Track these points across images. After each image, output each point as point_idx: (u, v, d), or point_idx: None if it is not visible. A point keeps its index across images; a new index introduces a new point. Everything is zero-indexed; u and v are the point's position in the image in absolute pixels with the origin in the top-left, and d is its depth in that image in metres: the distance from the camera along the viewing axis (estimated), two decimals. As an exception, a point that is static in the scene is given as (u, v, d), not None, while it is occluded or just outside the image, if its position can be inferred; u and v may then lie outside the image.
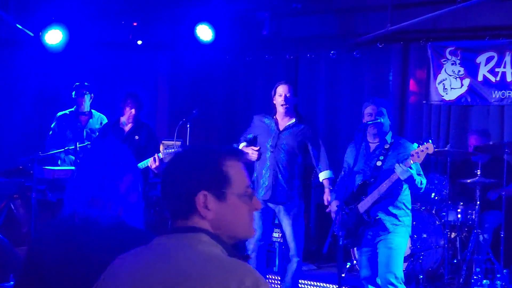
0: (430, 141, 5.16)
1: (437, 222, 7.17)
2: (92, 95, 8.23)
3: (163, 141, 7.26)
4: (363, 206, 5.32)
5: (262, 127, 6.27)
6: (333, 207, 5.57)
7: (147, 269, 1.84)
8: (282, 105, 6.11)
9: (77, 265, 2.45)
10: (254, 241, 6.14)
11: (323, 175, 6.19)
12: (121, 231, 2.52)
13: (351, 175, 5.42)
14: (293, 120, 6.17)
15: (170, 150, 6.72)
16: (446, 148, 7.27)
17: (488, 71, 7.94)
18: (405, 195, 5.38)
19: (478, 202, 6.91)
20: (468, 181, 7.03)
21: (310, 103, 9.25)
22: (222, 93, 9.85)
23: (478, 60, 8.00)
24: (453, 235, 7.27)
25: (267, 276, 7.09)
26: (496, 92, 7.89)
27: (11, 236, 6.33)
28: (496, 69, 7.88)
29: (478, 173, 6.91)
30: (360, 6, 8.47)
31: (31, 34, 8.33)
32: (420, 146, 5.13)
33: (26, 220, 7.53)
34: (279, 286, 7.00)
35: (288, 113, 6.15)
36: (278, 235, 7.16)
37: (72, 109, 8.23)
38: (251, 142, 6.34)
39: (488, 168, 7.12)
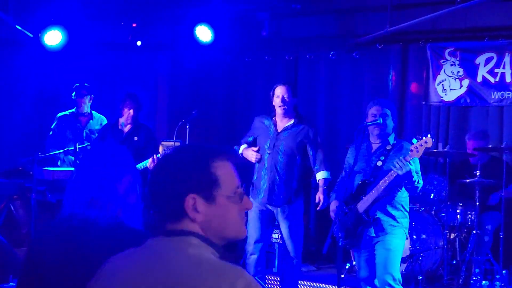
0: (429, 135, 5.15)
1: (437, 223, 7.17)
2: (92, 96, 8.23)
3: (162, 142, 7.26)
4: (362, 205, 5.32)
5: (261, 128, 6.26)
6: (333, 207, 5.58)
7: (137, 273, 1.82)
8: (279, 106, 6.09)
9: (77, 265, 2.45)
10: (253, 243, 6.14)
11: (319, 175, 6.14)
12: (120, 231, 2.53)
13: (351, 175, 5.43)
14: (292, 121, 6.14)
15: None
16: (445, 149, 7.27)
17: (487, 72, 7.94)
18: (404, 197, 5.38)
19: (478, 203, 6.91)
20: (468, 181, 7.03)
21: (310, 104, 9.25)
22: (222, 93, 9.85)
23: (477, 61, 8.00)
24: (452, 236, 7.28)
25: (267, 277, 7.09)
26: (495, 93, 7.90)
27: (11, 237, 6.34)
28: (496, 70, 7.88)
29: (478, 173, 6.91)
30: (360, 7, 8.48)
31: (31, 35, 8.33)
32: (419, 140, 5.13)
33: (25, 221, 7.53)
34: (278, 287, 6.99)
35: (286, 114, 6.13)
36: (278, 236, 7.15)
37: (72, 110, 8.23)
38: (252, 144, 6.32)
39: (487, 168, 7.12)
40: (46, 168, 7.52)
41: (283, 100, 6.07)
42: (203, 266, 1.77)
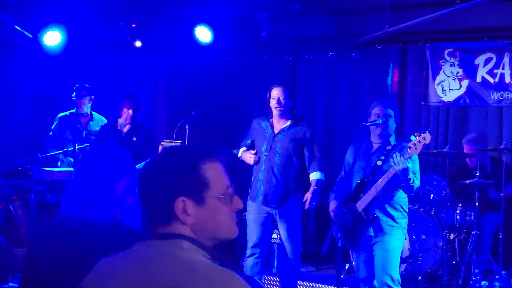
0: (427, 131, 5.14)
1: (436, 223, 7.17)
2: (93, 97, 8.22)
3: (162, 142, 7.26)
4: (361, 204, 5.32)
5: (259, 130, 6.24)
6: (332, 207, 5.57)
7: (127, 278, 1.80)
8: (275, 107, 6.07)
9: (76, 266, 2.45)
10: (252, 246, 6.12)
11: (313, 176, 6.10)
12: (119, 232, 2.52)
13: (351, 175, 5.43)
14: (289, 122, 6.11)
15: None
16: (444, 150, 7.27)
17: (486, 73, 7.94)
18: (402, 197, 5.37)
19: (477, 203, 6.91)
20: (467, 182, 7.03)
21: (309, 104, 9.26)
22: (221, 94, 9.85)
23: (476, 61, 8.00)
24: (451, 236, 7.28)
25: (266, 277, 7.09)
26: (494, 93, 7.90)
27: (10, 238, 6.34)
28: (495, 71, 7.88)
29: (477, 174, 6.91)
30: (359, 7, 8.47)
31: (30, 35, 8.33)
32: (417, 137, 5.12)
33: (25, 221, 7.53)
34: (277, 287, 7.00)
35: (283, 115, 6.11)
36: (277, 236, 7.14)
37: (73, 110, 8.22)
38: (250, 147, 6.30)
39: (486, 169, 7.12)
40: (45, 169, 7.51)
41: (278, 101, 6.05)
42: (194, 270, 1.75)
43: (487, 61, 7.93)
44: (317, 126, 9.15)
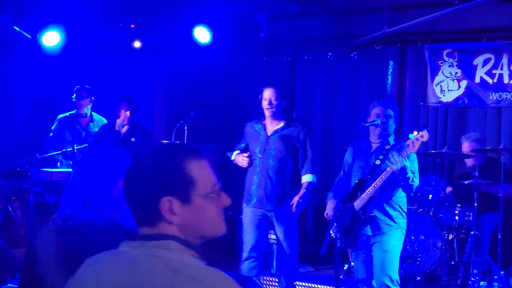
0: (425, 129, 5.15)
1: (435, 223, 7.17)
2: (93, 98, 8.22)
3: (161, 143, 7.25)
4: (359, 203, 5.32)
5: (252, 133, 6.21)
6: (329, 206, 5.58)
7: (115, 280, 1.78)
8: (267, 109, 6.04)
9: (76, 266, 2.45)
10: (249, 250, 6.09)
11: (304, 178, 6.06)
12: (118, 232, 2.53)
13: (349, 174, 5.44)
14: (282, 123, 6.09)
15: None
16: (443, 150, 7.27)
17: (485, 73, 7.95)
18: (401, 197, 5.38)
19: (476, 204, 6.91)
20: (466, 182, 7.04)
21: (308, 105, 9.27)
22: (220, 94, 9.85)
23: (475, 62, 8.01)
24: (450, 236, 7.28)
25: (265, 278, 7.09)
26: (493, 94, 7.90)
27: (9, 238, 6.34)
28: (493, 71, 7.89)
29: (476, 174, 6.91)
30: (358, 8, 8.47)
31: (29, 36, 8.33)
32: (415, 135, 5.13)
33: (23, 222, 7.52)
34: (276, 288, 7.00)
35: (275, 116, 6.08)
36: (274, 237, 7.14)
37: (73, 111, 8.21)
38: (244, 151, 6.26)
39: (485, 169, 7.13)
40: (44, 169, 7.51)
41: (270, 102, 6.02)
42: (182, 271, 1.73)
43: (485, 62, 7.94)
44: (315, 126, 9.16)
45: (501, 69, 7.83)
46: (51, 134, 8.22)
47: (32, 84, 9.48)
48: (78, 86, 8.20)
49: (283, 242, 6.08)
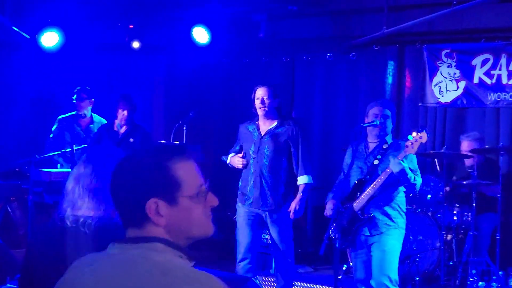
0: (424, 131, 5.16)
1: (433, 224, 7.18)
2: (93, 100, 8.21)
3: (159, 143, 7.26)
4: (358, 204, 5.33)
5: (246, 134, 6.20)
6: (329, 207, 5.58)
7: (104, 284, 1.77)
8: (260, 108, 6.02)
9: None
10: (243, 250, 6.08)
11: (300, 180, 6.04)
12: (119, 231, 2.53)
13: (348, 175, 5.44)
14: (275, 123, 6.07)
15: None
16: (442, 150, 7.28)
17: (483, 74, 7.95)
18: (400, 197, 5.39)
19: (474, 204, 6.92)
20: (464, 183, 7.04)
21: (307, 105, 9.28)
22: (219, 95, 9.85)
23: (473, 62, 8.01)
24: (449, 237, 7.28)
25: (263, 278, 7.10)
26: (491, 94, 7.91)
27: (8, 239, 6.33)
28: (492, 72, 7.89)
29: (475, 175, 6.92)
30: (356, 8, 8.48)
31: (27, 36, 8.33)
32: (414, 136, 5.14)
33: (22, 222, 7.53)
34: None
35: (268, 116, 6.06)
36: (270, 236, 7.13)
37: (73, 112, 8.20)
38: (239, 153, 6.24)
39: (484, 170, 7.13)
40: (43, 170, 7.52)
41: (262, 101, 6.00)
42: (171, 274, 1.72)
43: (484, 62, 7.94)
44: (315, 126, 9.17)
45: (500, 69, 7.84)
46: (51, 135, 8.21)
47: (31, 84, 9.47)
48: (78, 88, 8.19)
49: (278, 242, 6.05)
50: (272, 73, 9.43)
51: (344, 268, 7.34)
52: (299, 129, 6.09)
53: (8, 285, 4.46)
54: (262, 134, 6.06)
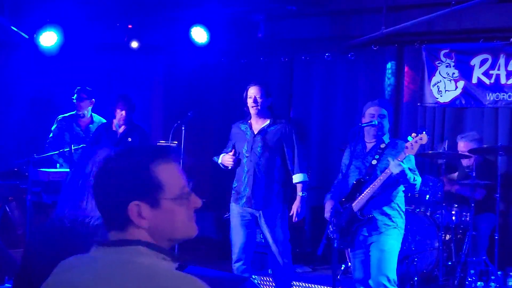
0: (424, 132, 5.16)
1: (432, 224, 7.18)
2: (93, 100, 8.21)
3: (157, 143, 7.26)
4: (357, 204, 5.33)
5: (238, 134, 6.18)
6: (328, 208, 5.58)
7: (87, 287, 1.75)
8: (252, 107, 6.02)
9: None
10: (238, 251, 6.06)
11: (295, 179, 6.02)
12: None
13: (347, 175, 5.44)
14: (268, 121, 6.06)
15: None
16: (440, 150, 7.28)
17: (482, 74, 7.95)
18: (399, 196, 5.39)
19: (473, 204, 6.92)
20: (463, 183, 7.05)
21: (305, 105, 9.28)
22: (217, 95, 9.85)
23: (472, 62, 8.02)
24: (447, 237, 7.28)
25: (262, 278, 7.10)
26: (490, 94, 7.91)
27: (6, 238, 6.33)
28: (491, 72, 7.89)
29: (473, 175, 6.92)
30: (355, 8, 8.47)
31: (26, 36, 8.32)
32: (414, 137, 5.14)
33: (21, 222, 7.52)
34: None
35: (260, 114, 6.06)
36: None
37: (73, 112, 8.20)
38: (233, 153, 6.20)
39: (483, 170, 7.13)
40: (42, 169, 7.51)
41: (255, 100, 6.00)
42: (155, 278, 1.71)
43: (482, 62, 7.95)
44: (313, 126, 9.17)
45: (498, 69, 7.84)
46: (50, 134, 8.21)
47: (29, 84, 9.47)
48: (78, 88, 8.18)
49: (272, 242, 6.01)
50: (271, 73, 9.42)
51: (342, 268, 7.34)
52: (292, 127, 6.10)
53: (6, 285, 4.46)
54: (255, 133, 6.05)
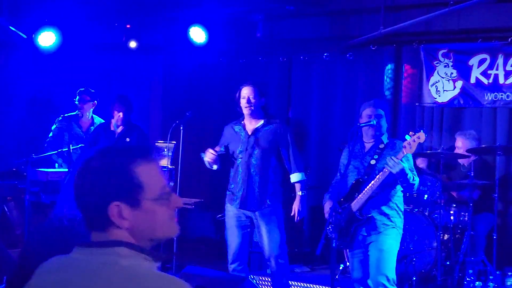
0: (422, 130, 5.16)
1: (430, 224, 7.18)
2: (95, 102, 8.21)
3: (156, 143, 7.26)
4: (356, 204, 5.33)
5: (232, 135, 6.13)
6: (326, 208, 5.58)
7: None
8: (245, 107, 5.99)
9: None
10: (233, 252, 6.03)
11: (293, 178, 6.02)
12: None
13: (345, 175, 5.44)
14: (262, 122, 6.03)
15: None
16: (439, 150, 7.29)
17: (480, 73, 7.96)
18: (398, 196, 5.39)
19: (471, 204, 6.93)
20: (461, 183, 7.06)
21: (304, 105, 9.28)
22: (216, 95, 9.84)
23: (470, 62, 8.02)
24: (446, 237, 7.29)
25: (260, 278, 7.10)
26: (488, 94, 7.91)
27: (5, 238, 6.33)
28: (489, 72, 7.90)
29: (471, 175, 6.93)
30: (353, 8, 8.47)
31: (24, 36, 8.32)
32: (412, 136, 5.15)
33: (19, 222, 7.53)
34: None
35: (254, 115, 6.03)
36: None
37: (74, 113, 8.18)
38: (222, 155, 6.12)
39: (481, 170, 7.14)
40: (40, 169, 7.51)
41: (248, 100, 5.98)
42: (136, 279, 1.72)
43: (481, 62, 7.95)
44: (311, 126, 9.18)
45: (497, 69, 7.84)
46: (50, 134, 8.21)
47: (28, 84, 9.46)
48: (81, 89, 8.17)
49: (268, 243, 5.98)
50: (269, 73, 9.43)
51: (341, 268, 7.34)
52: (287, 127, 6.12)
53: (5, 285, 4.46)
54: (249, 134, 6.02)
